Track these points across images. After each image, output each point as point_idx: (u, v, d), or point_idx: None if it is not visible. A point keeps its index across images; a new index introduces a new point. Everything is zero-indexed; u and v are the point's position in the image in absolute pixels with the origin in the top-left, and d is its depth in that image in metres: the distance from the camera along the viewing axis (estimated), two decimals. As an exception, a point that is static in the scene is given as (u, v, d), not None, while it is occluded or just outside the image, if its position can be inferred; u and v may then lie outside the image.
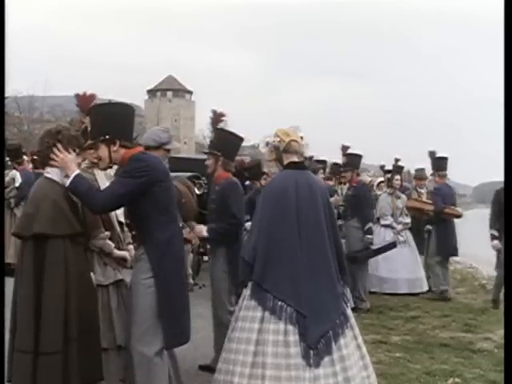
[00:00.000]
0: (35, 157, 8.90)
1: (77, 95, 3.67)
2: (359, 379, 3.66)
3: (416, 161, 9.77)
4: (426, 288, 8.88)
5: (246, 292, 3.72)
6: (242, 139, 5.26)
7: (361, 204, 7.76)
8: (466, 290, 9.71)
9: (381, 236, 8.92)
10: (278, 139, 3.90)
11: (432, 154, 9.19)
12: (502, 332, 6.10)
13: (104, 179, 3.97)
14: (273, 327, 3.53)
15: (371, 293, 8.61)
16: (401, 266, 8.74)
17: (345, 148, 8.54)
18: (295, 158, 3.89)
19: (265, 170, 7.13)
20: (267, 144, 4.06)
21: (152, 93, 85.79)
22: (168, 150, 4.82)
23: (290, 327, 3.52)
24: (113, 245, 3.85)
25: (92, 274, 3.64)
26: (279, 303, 3.55)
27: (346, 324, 3.72)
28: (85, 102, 3.74)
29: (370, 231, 7.75)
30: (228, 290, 4.84)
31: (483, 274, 12.31)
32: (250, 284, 3.70)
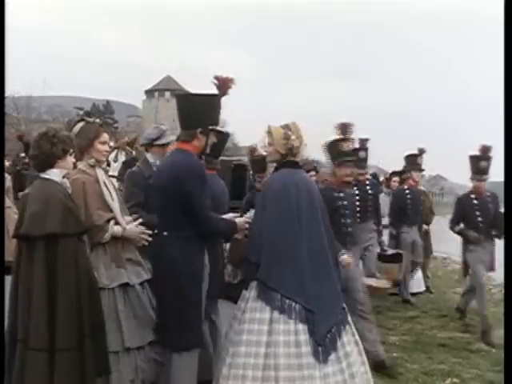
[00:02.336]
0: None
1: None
2: (360, 375, 3.71)
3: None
4: (423, 288, 8.89)
5: (249, 293, 3.68)
6: (227, 135, 5.04)
7: (377, 204, 7.32)
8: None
9: (379, 236, 8.93)
10: (298, 143, 3.83)
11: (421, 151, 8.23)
12: (499, 332, 6.11)
13: (104, 178, 3.98)
14: (283, 327, 3.52)
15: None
16: (399, 266, 8.72)
17: (363, 141, 7.25)
18: (295, 158, 3.89)
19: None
20: (285, 137, 3.82)
21: (150, 93, 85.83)
22: (163, 146, 4.79)
23: (300, 326, 3.53)
24: (120, 228, 3.81)
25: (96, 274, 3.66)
26: (287, 301, 3.55)
27: (346, 320, 3.78)
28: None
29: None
30: None
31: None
32: (254, 284, 3.66)
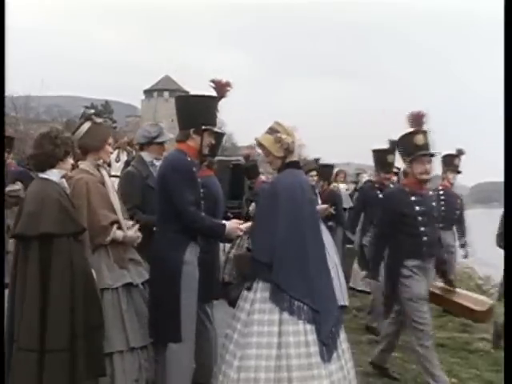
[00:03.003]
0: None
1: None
2: (351, 370, 3.80)
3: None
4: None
5: (255, 295, 3.65)
6: (222, 135, 5.06)
7: None
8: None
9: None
10: (291, 139, 3.81)
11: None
12: (498, 332, 6.11)
13: (108, 179, 4.00)
14: (292, 328, 3.53)
15: (367, 293, 8.62)
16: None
17: (393, 143, 5.93)
18: (296, 158, 3.88)
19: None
20: (277, 140, 3.79)
21: (149, 93, 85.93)
22: (161, 145, 4.78)
23: (308, 326, 3.56)
24: (122, 233, 3.87)
25: (94, 274, 3.66)
26: (296, 303, 3.56)
27: (342, 318, 3.86)
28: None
29: None
30: None
31: (479, 275, 12.36)
32: (260, 286, 3.64)
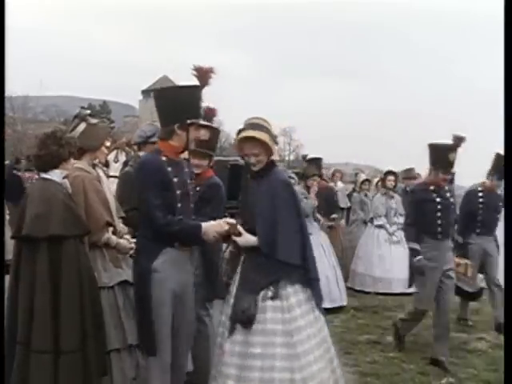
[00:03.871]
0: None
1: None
2: None
3: (414, 161, 9.53)
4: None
5: (287, 302, 3.43)
6: (218, 131, 4.77)
7: (454, 216, 5.93)
8: (460, 290, 9.70)
9: (374, 236, 8.97)
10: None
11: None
12: (496, 332, 6.13)
13: (105, 179, 3.98)
14: (322, 323, 3.59)
15: (366, 293, 8.64)
16: (395, 266, 8.71)
17: (459, 140, 5.66)
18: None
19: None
20: (273, 138, 3.56)
21: (146, 93, 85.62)
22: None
23: (323, 318, 3.63)
24: (115, 240, 3.87)
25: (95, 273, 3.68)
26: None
27: None
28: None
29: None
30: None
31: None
32: (291, 289, 3.47)
